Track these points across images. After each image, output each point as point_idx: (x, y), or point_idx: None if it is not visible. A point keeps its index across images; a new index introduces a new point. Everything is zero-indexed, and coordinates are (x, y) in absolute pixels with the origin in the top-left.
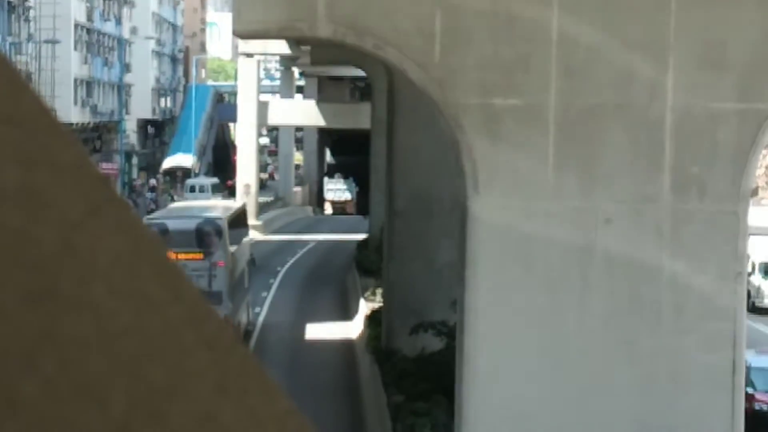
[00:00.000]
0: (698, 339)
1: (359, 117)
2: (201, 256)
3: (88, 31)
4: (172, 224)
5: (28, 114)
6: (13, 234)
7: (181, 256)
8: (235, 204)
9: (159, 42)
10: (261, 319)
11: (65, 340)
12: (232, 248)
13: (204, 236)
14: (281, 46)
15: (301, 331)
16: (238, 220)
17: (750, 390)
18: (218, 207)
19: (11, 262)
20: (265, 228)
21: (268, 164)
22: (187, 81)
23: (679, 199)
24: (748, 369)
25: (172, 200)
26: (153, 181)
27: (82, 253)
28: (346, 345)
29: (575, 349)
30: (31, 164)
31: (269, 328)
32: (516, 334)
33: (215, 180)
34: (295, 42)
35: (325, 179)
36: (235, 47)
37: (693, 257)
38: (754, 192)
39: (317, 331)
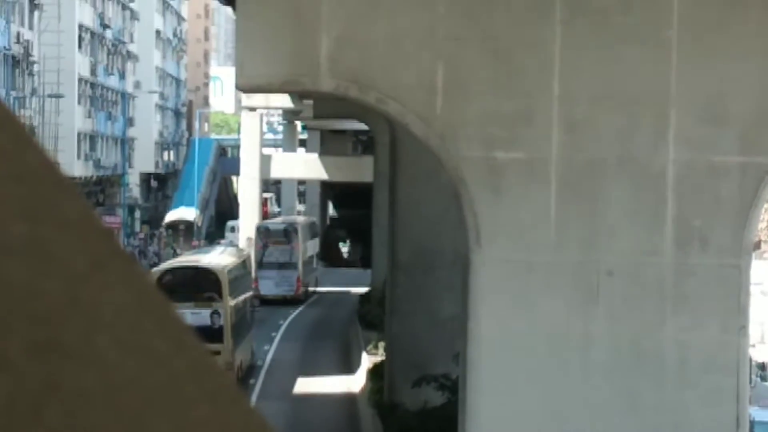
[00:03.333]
0: (701, 393)
1: (362, 170)
2: (202, 298)
3: (92, 85)
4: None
5: (34, 169)
6: (19, 287)
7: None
8: (241, 253)
9: (162, 96)
10: (263, 372)
11: (70, 392)
12: (233, 293)
13: (205, 281)
14: (284, 100)
15: (304, 384)
16: (241, 266)
17: None
18: (224, 255)
19: (17, 315)
20: None
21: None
22: (190, 134)
23: (681, 252)
24: (752, 423)
25: (175, 254)
26: (141, 234)
27: (87, 306)
28: (349, 399)
29: (578, 402)
30: (36, 219)
31: (271, 380)
32: (519, 388)
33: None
34: (297, 96)
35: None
36: (238, 101)
37: (696, 311)
38: (757, 245)
39: (319, 384)
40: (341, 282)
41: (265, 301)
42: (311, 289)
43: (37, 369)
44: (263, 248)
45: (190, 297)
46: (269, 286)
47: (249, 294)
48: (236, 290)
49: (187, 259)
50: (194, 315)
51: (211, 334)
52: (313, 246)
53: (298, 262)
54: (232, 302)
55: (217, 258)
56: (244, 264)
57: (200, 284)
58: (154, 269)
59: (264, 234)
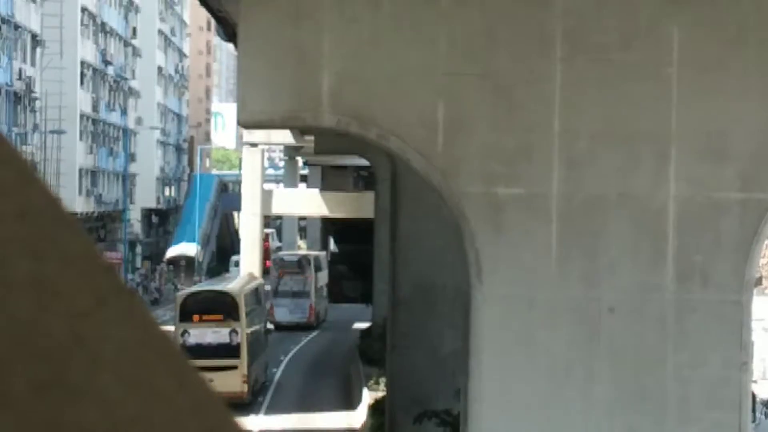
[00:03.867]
0: (703, 429)
1: (363, 206)
2: (221, 318)
3: (94, 121)
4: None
5: (37, 206)
6: (22, 324)
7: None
8: (257, 280)
9: (164, 132)
10: (264, 407)
11: (73, 429)
12: (249, 314)
13: (224, 303)
14: (285, 136)
15: (304, 420)
16: (256, 291)
17: None
18: (241, 282)
19: (21, 352)
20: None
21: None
22: (191, 170)
23: (682, 288)
24: None
25: (176, 289)
26: (142, 270)
27: (90, 343)
28: None
29: None
30: (40, 256)
31: (273, 414)
32: (520, 425)
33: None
34: (299, 132)
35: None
36: (239, 137)
37: (697, 347)
38: (758, 281)
39: (320, 420)
40: (342, 318)
41: (280, 327)
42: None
43: (41, 406)
44: (278, 278)
45: (210, 318)
46: (284, 313)
47: (264, 317)
48: (252, 313)
49: (209, 284)
50: (214, 333)
51: (229, 350)
52: (323, 277)
53: (311, 291)
54: (247, 322)
55: (235, 284)
56: (259, 289)
57: (220, 306)
58: (179, 293)
59: (280, 264)
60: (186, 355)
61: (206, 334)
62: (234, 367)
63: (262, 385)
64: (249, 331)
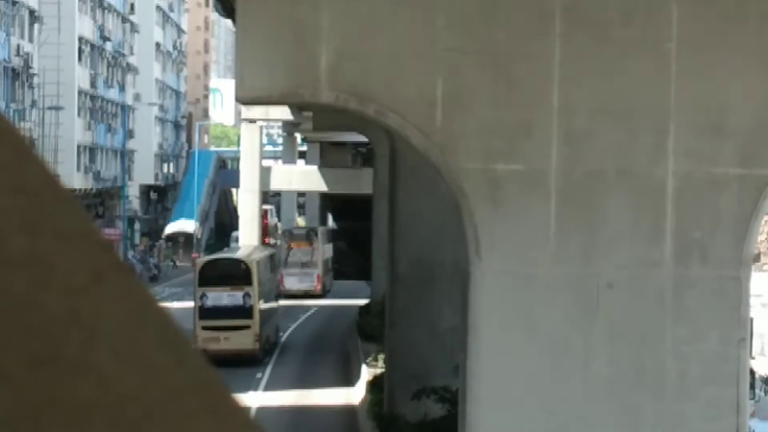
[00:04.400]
0: (702, 405)
1: (361, 182)
2: (236, 283)
3: (92, 97)
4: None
5: (34, 181)
6: (18, 299)
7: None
8: (270, 250)
9: (162, 108)
10: (263, 382)
11: (69, 405)
12: (261, 280)
13: (238, 270)
14: (284, 112)
15: (304, 396)
16: (269, 259)
17: None
18: (255, 251)
19: (16, 328)
20: None
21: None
22: (189, 147)
23: (681, 264)
24: None
25: (175, 266)
26: (141, 246)
27: (87, 319)
28: (348, 411)
29: (578, 415)
30: (36, 231)
31: (272, 391)
32: (519, 401)
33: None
34: (297, 108)
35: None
36: (237, 113)
37: (695, 323)
38: (757, 258)
39: (319, 396)
40: (341, 294)
41: (289, 296)
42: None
43: (37, 382)
44: (288, 249)
45: (227, 282)
46: (293, 282)
47: (276, 283)
48: (264, 278)
49: (226, 253)
50: (230, 296)
51: (243, 312)
52: (329, 249)
53: (318, 261)
54: (260, 287)
55: (249, 252)
56: (271, 258)
57: (235, 272)
58: (199, 260)
59: (289, 237)
60: (204, 315)
61: (222, 297)
62: (247, 327)
63: (273, 345)
64: (261, 294)
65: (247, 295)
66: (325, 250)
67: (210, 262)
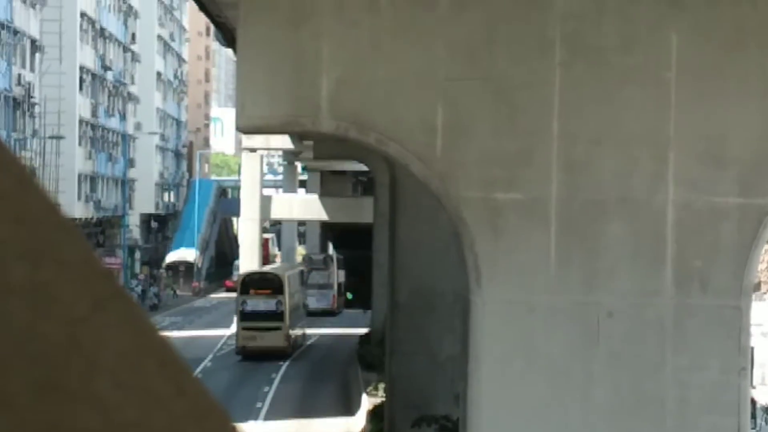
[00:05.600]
0: None
1: (362, 211)
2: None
3: (93, 126)
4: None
5: (35, 211)
6: (20, 328)
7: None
8: (299, 267)
9: (163, 137)
10: (264, 412)
11: None
12: (291, 291)
13: (272, 281)
14: (284, 141)
15: (304, 426)
16: (297, 275)
17: None
18: (286, 267)
19: (18, 356)
20: None
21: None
22: (190, 176)
23: (681, 293)
24: None
25: (175, 295)
26: (141, 275)
27: (88, 348)
28: None
29: None
30: (37, 260)
31: (273, 420)
32: (519, 429)
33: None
34: (298, 137)
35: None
36: (238, 142)
37: (696, 352)
38: (757, 287)
39: (319, 426)
40: (341, 323)
41: (309, 313)
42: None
43: (38, 410)
44: (308, 272)
45: (263, 292)
46: (313, 301)
47: (303, 294)
48: (293, 290)
49: (263, 268)
50: (265, 303)
51: (275, 316)
52: (342, 274)
53: (333, 283)
54: (289, 297)
55: (281, 268)
56: (300, 274)
57: (269, 283)
58: (240, 273)
59: (309, 262)
60: (244, 318)
61: (259, 303)
62: (279, 328)
63: (300, 345)
64: (290, 302)
65: (279, 302)
66: (339, 275)
67: (249, 275)
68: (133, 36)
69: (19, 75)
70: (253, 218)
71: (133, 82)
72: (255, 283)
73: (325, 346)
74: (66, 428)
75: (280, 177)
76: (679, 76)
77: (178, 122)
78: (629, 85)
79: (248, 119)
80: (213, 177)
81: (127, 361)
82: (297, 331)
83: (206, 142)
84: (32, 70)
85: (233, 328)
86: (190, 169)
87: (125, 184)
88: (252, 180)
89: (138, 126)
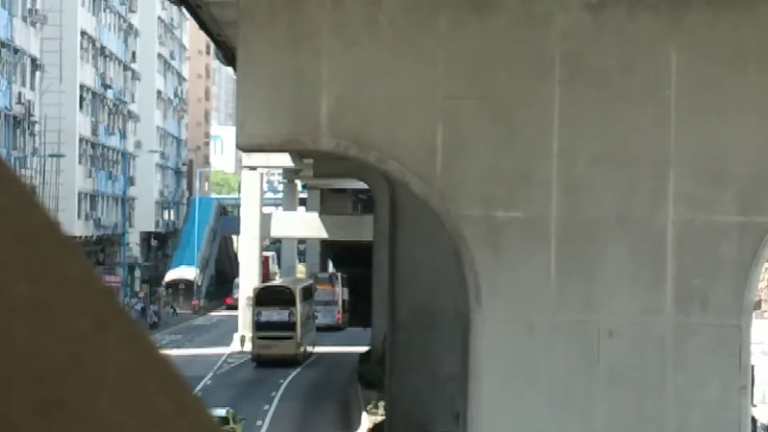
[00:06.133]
0: None
1: (362, 229)
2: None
3: (93, 145)
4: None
5: (36, 229)
6: (21, 346)
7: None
8: (308, 281)
9: (163, 155)
10: (264, 430)
11: None
12: (302, 303)
13: (285, 294)
14: (284, 159)
15: None
16: (307, 289)
17: None
18: (297, 281)
19: (20, 374)
20: None
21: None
22: (190, 194)
23: (681, 312)
24: None
25: (175, 313)
26: (141, 293)
27: (89, 366)
28: None
29: None
30: (38, 278)
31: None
32: None
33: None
34: (298, 155)
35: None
36: (238, 160)
37: (697, 371)
38: (757, 305)
39: None
40: (341, 341)
41: (316, 328)
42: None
43: (40, 429)
44: (314, 290)
45: (276, 303)
46: (319, 317)
47: (313, 307)
48: (304, 302)
49: (276, 282)
50: (278, 314)
51: (288, 325)
52: (346, 292)
53: (338, 300)
54: (301, 308)
55: (293, 281)
56: (310, 287)
57: (282, 296)
58: (255, 286)
59: (315, 280)
60: (259, 327)
61: (272, 314)
62: (291, 337)
63: (310, 354)
64: (302, 313)
65: (291, 313)
66: (343, 292)
67: (263, 288)
68: (134, 54)
69: (20, 93)
70: (253, 236)
71: (133, 101)
72: (269, 295)
73: (327, 363)
74: None
75: (280, 195)
76: (679, 95)
77: (178, 140)
78: (629, 103)
79: (248, 137)
80: (213, 195)
81: (128, 379)
82: (307, 340)
83: (206, 160)
84: (32, 88)
85: (233, 347)
86: (190, 187)
87: (125, 202)
88: (252, 198)
89: (138, 144)
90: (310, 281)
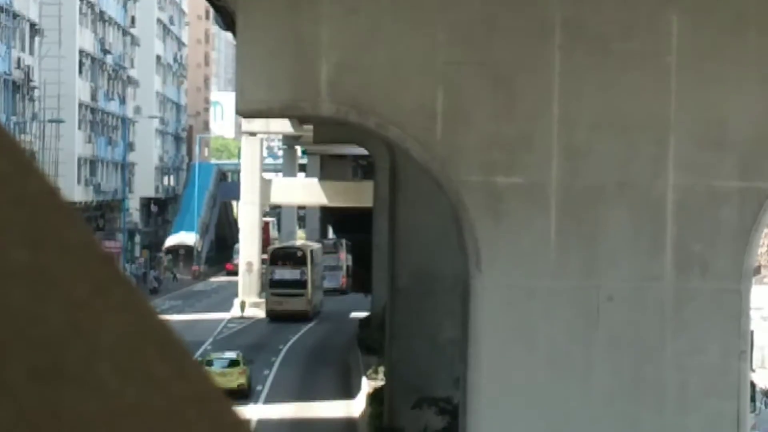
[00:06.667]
0: (702, 417)
1: (362, 195)
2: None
3: (92, 110)
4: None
5: (35, 195)
6: (20, 312)
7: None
8: (317, 245)
9: (163, 121)
10: (264, 394)
11: (71, 418)
12: (313, 264)
13: (297, 254)
14: (284, 125)
15: (304, 409)
16: (317, 251)
17: None
18: (308, 244)
19: (18, 340)
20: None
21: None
22: (190, 159)
23: (681, 277)
24: None
25: (175, 279)
26: (141, 259)
27: (88, 332)
28: (348, 423)
29: (579, 428)
30: (37, 244)
31: (272, 403)
32: (519, 413)
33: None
34: (298, 121)
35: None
36: (238, 126)
37: (696, 336)
38: (757, 270)
39: (319, 409)
40: (341, 307)
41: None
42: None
43: (38, 394)
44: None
45: (289, 263)
46: (324, 282)
47: (321, 268)
48: (314, 263)
49: (290, 243)
50: (291, 272)
51: (299, 283)
52: (350, 258)
53: (342, 265)
54: (311, 268)
55: (305, 245)
56: (320, 250)
57: (295, 256)
58: (269, 247)
59: (316, 253)
60: (273, 285)
61: (285, 273)
62: (302, 295)
63: (319, 312)
64: (312, 273)
65: (302, 272)
66: (347, 258)
67: (278, 249)
68: (133, 19)
69: (19, 58)
70: (253, 202)
71: (132, 66)
72: (283, 255)
73: (328, 328)
74: (66, 412)
75: (280, 161)
76: (680, 60)
77: (178, 106)
78: (630, 69)
79: (248, 103)
80: (213, 161)
81: (127, 344)
82: (317, 298)
83: (206, 126)
84: (32, 53)
85: (234, 312)
86: (189, 153)
87: (125, 168)
88: (252, 164)
89: (137, 110)
90: (319, 245)
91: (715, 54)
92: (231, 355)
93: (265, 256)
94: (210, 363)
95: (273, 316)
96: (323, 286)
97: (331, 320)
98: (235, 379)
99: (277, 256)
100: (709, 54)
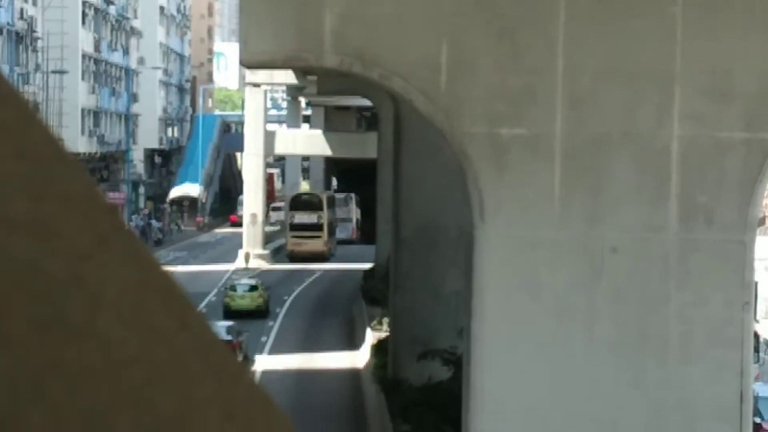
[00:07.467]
0: (706, 368)
1: (366, 146)
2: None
3: (96, 61)
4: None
5: (37, 146)
6: (22, 264)
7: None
8: (332, 192)
9: (166, 72)
10: (268, 346)
11: (73, 369)
12: (329, 209)
13: (315, 201)
14: (288, 76)
15: (308, 360)
16: (331, 198)
17: (758, 420)
18: (324, 192)
19: (20, 292)
20: (272, 257)
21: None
22: (194, 111)
23: (685, 228)
24: (756, 399)
25: (179, 230)
26: (145, 210)
27: (90, 283)
28: (353, 374)
29: (582, 378)
30: (40, 196)
31: (277, 354)
32: (523, 364)
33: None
34: (301, 72)
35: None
36: (242, 77)
37: (700, 287)
38: (761, 221)
39: (324, 360)
40: (345, 258)
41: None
42: (334, 247)
43: (41, 346)
44: None
45: (308, 209)
46: (336, 232)
47: (334, 214)
48: (330, 209)
49: (306, 190)
50: (309, 217)
51: (317, 227)
52: (358, 211)
53: (352, 218)
54: (328, 213)
55: (321, 192)
56: (333, 198)
57: (313, 203)
58: (289, 194)
59: (331, 200)
60: (293, 228)
61: (304, 217)
62: (319, 236)
63: (333, 254)
64: (328, 218)
65: (319, 216)
66: (356, 211)
67: (297, 195)
68: None
69: (22, 9)
70: (257, 153)
71: (135, 17)
72: (302, 202)
73: (333, 278)
74: (68, 364)
75: (283, 112)
76: (686, 10)
77: (182, 57)
78: (635, 18)
79: (251, 54)
80: (216, 112)
81: (130, 296)
82: (332, 242)
83: (209, 77)
84: (34, 4)
85: (238, 263)
86: (193, 105)
87: (129, 119)
88: (256, 115)
89: (141, 61)
90: (333, 194)
91: (721, 3)
92: (251, 281)
93: (277, 204)
94: (234, 288)
95: (293, 256)
96: (336, 237)
97: (327, 279)
98: (255, 300)
99: (297, 202)
100: (715, 3)
